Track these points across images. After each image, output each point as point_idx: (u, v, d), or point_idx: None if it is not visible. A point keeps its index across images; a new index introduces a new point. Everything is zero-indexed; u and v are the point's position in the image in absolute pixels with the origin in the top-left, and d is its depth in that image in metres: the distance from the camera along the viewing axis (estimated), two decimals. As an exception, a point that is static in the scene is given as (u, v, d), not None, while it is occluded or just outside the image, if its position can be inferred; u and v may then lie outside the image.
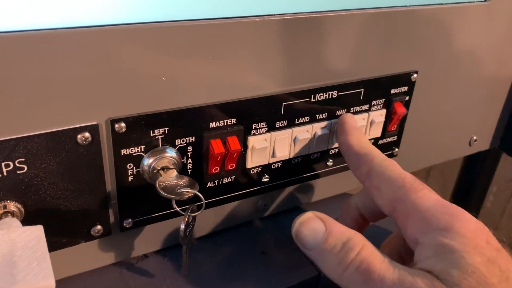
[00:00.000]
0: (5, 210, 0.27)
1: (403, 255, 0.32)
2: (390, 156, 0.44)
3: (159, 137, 0.30)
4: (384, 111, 0.40)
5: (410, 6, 0.38)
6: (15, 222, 0.26)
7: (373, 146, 0.33)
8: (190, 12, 0.28)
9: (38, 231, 0.25)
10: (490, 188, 0.77)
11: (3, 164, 0.26)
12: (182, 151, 0.31)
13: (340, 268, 0.26)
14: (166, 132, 0.30)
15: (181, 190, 0.29)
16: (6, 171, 0.26)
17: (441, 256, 0.25)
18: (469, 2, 0.41)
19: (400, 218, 0.28)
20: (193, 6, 0.28)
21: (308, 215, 0.28)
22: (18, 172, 0.26)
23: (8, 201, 0.27)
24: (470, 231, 0.25)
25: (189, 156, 0.32)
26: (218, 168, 0.33)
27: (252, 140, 0.34)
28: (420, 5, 0.38)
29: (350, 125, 0.35)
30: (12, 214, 0.27)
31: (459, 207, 0.27)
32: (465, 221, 0.26)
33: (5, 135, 0.25)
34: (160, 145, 0.30)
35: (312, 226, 0.27)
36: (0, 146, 0.25)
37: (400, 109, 0.41)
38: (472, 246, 0.25)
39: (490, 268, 0.24)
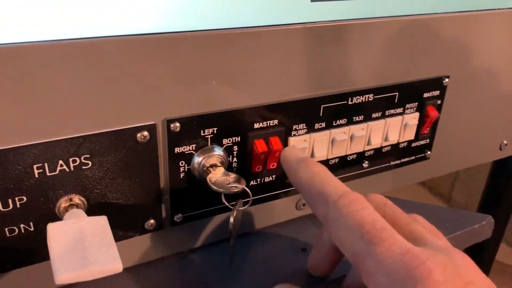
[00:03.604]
0: (71, 202, 0.29)
1: None
2: (423, 159, 0.45)
3: (209, 136, 0.32)
4: (417, 114, 0.42)
5: (442, 13, 0.39)
6: (82, 213, 0.28)
7: (328, 177, 0.29)
8: (237, 20, 0.31)
9: (103, 220, 0.27)
10: (519, 197, 0.77)
11: (70, 159, 0.28)
12: (228, 150, 0.33)
13: None
14: (215, 132, 0.32)
15: (230, 185, 0.31)
16: (73, 166, 0.28)
17: None
18: (500, 8, 0.43)
19: (363, 276, 0.24)
20: (241, 15, 0.31)
21: None
22: (83, 167, 0.29)
23: (74, 194, 0.29)
24: None
25: (235, 155, 0.34)
26: (261, 167, 0.35)
27: (292, 141, 0.36)
28: (451, 12, 0.40)
29: (293, 160, 0.31)
30: (77, 206, 0.29)
31: (432, 259, 0.22)
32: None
33: (74, 132, 0.28)
34: (209, 144, 0.32)
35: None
36: (69, 143, 0.28)
37: (432, 113, 0.42)
38: None
39: None
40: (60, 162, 0.28)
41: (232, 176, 0.32)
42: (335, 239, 0.26)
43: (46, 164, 0.27)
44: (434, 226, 0.28)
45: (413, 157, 0.44)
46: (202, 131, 0.32)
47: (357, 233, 0.24)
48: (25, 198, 0.28)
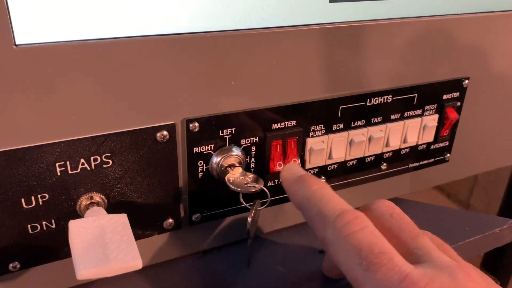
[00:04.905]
0: (92, 200, 0.30)
1: None
2: (442, 162, 0.45)
3: (227, 136, 0.32)
4: (436, 116, 0.41)
5: (462, 14, 0.39)
6: (102, 211, 0.29)
7: (326, 194, 0.27)
8: (255, 21, 0.31)
9: (123, 218, 0.27)
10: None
11: (92, 158, 0.29)
12: (246, 150, 0.34)
13: None
14: (233, 132, 0.32)
15: (248, 185, 0.31)
16: (94, 165, 0.29)
17: None
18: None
19: None
20: (259, 16, 0.31)
21: None
22: (104, 166, 0.29)
23: (94, 192, 0.30)
24: None
25: (253, 155, 0.34)
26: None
27: (310, 142, 0.36)
28: (471, 13, 0.39)
29: (291, 179, 0.29)
30: (97, 204, 0.30)
31: (431, 284, 0.22)
32: None
33: (96, 131, 0.28)
34: (227, 144, 0.33)
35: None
36: (91, 142, 0.28)
37: (452, 115, 0.42)
38: None
39: None
40: (82, 160, 0.28)
41: (250, 176, 0.32)
42: (336, 262, 0.25)
43: (68, 162, 0.28)
44: (442, 240, 0.28)
45: (432, 160, 0.44)
46: (220, 131, 0.32)
47: (355, 259, 0.23)
48: (47, 196, 0.28)
